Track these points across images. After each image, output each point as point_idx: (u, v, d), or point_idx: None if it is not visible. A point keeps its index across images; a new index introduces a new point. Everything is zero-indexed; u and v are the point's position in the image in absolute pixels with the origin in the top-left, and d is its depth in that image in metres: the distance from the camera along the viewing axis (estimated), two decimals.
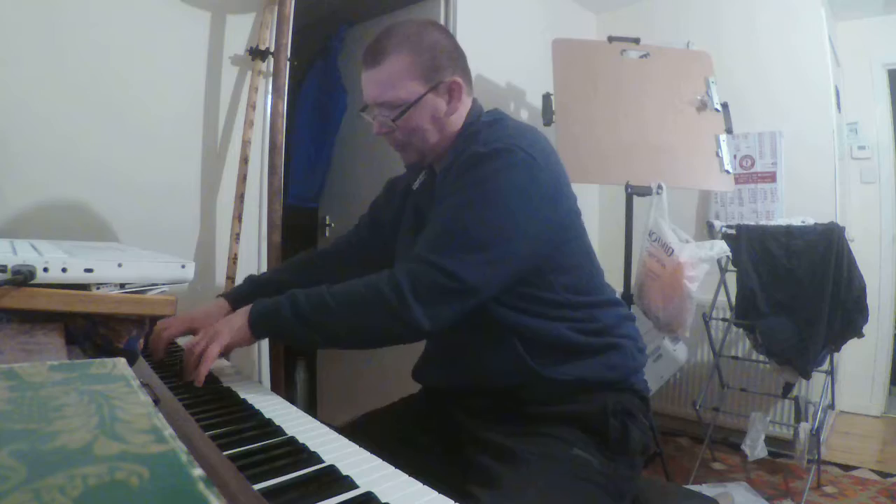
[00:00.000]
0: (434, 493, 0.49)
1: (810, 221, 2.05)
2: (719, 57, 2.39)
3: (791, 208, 2.50)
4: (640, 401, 0.91)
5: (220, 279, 1.66)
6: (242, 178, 1.65)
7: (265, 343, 1.72)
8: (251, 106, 1.68)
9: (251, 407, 0.68)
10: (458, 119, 0.96)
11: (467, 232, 0.79)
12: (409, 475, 0.53)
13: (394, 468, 0.54)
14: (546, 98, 2.25)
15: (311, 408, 2.70)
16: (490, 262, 0.79)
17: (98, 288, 0.64)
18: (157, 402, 0.53)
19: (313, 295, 0.81)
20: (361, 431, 0.66)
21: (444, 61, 0.92)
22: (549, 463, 0.77)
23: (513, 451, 0.78)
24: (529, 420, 0.85)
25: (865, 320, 1.96)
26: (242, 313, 0.83)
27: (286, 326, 0.80)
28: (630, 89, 2.16)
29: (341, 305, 0.79)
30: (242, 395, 0.73)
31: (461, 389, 0.95)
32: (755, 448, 2.06)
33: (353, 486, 0.49)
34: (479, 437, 0.85)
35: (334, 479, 0.50)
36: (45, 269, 0.60)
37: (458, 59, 0.94)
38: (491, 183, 0.81)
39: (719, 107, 2.20)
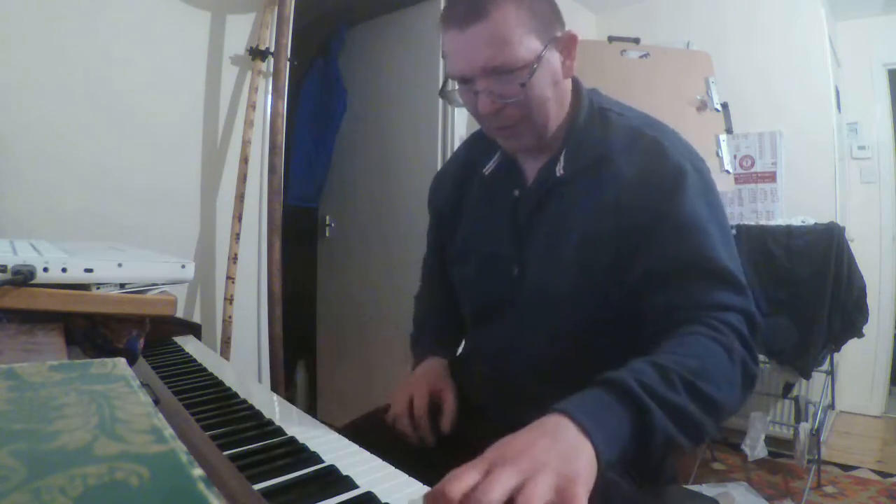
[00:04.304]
0: None
1: (810, 221, 2.05)
2: (719, 57, 2.39)
3: (791, 208, 2.50)
4: None
5: (220, 279, 1.66)
6: (242, 178, 1.65)
7: (265, 343, 1.72)
8: (251, 106, 1.68)
9: (251, 407, 0.68)
10: (569, 87, 0.81)
11: (734, 264, 0.71)
12: (410, 475, 0.53)
13: (394, 468, 0.54)
14: None
15: (312, 408, 2.70)
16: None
17: (98, 288, 0.64)
18: (157, 402, 0.53)
19: (668, 372, 0.56)
20: (362, 431, 0.66)
21: (553, 10, 0.76)
22: None
23: None
24: None
25: (865, 320, 1.96)
26: (573, 443, 0.48)
27: (659, 433, 0.54)
28: (630, 89, 2.16)
29: (706, 376, 0.59)
30: (242, 396, 0.73)
31: (502, 395, 0.85)
32: (755, 448, 2.06)
33: (354, 486, 0.49)
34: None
35: (334, 479, 0.50)
36: (45, 269, 0.60)
37: (558, 9, 0.78)
38: (719, 209, 0.75)
39: (719, 107, 2.20)
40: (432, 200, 1.03)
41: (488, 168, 0.88)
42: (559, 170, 0.79)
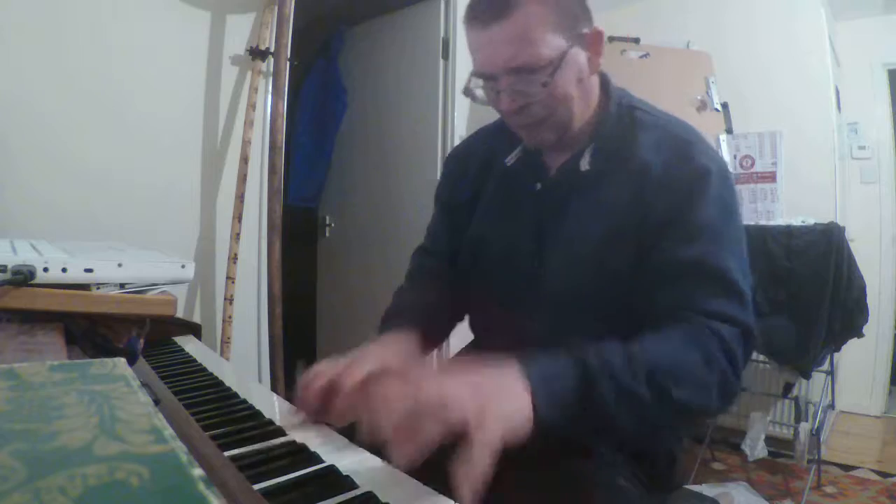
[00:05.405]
0: (434, 494, 0.49)
1: (810, 221, 2.05)
2: (719, 57, 2.39)
3: (791, 208, 2.50)
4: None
5: (220, 279, 1.66)
6: (242, 178, 1.65)
7: (265, 343, 1.72)
8: (251, 106, 1.68)
9: (251, 407, 0.68)
10: (595, 83, 0.81)
11: (742, 276, 0.69)
12: (410, 475, 0.53)
13: (394, 468, 0.54)
14: None
15: None
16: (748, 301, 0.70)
17: (98, 288, 0.64)
18: (157, 402, 0.53)
19: (634, 359, 0.59)
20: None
21: (580, 6, 0.75)
22: (588, 486, 0.66)
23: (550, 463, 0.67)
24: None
25: (865, 320, 1.96)
26: (511, 383, 0.54)
27: (600, 407, 0.56)
28: (630, 89, 2.15)
29: (673, 375, 0.60)
30: (242, 396, 0.73)
31: None
32: (755, 448, 2.06)
33: (354, 486, 0.49)
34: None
35: (334, 479, 0.50)
36: (45, 269, 0.60)
37: (587, 4, 0.77)
38: (737, 217, 0.74)
39: (719, 107, 2.20)
40: (445, 191, 0.97)
41: (510, 159, 0.86)
42: (584, 164, 0.78)
